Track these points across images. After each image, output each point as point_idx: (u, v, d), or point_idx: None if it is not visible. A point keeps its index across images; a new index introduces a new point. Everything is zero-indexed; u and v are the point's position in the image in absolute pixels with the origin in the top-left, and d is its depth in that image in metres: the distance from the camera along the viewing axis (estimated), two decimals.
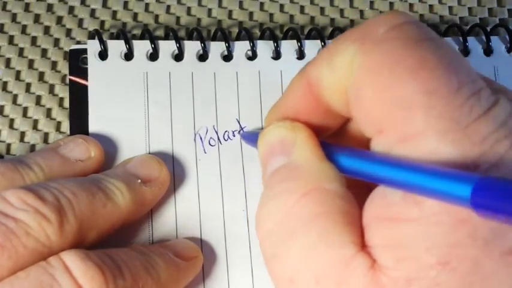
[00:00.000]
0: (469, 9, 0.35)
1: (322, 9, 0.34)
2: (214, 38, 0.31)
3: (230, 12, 0.33)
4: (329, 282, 0.17)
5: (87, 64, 0.29)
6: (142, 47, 0.30)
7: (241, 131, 0.29)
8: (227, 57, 0.31)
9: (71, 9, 0.32)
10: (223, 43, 0.30)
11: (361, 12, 0.34)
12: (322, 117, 0.22)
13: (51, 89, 0.30)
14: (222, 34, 0.31)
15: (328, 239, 0.18)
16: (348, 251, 0.17)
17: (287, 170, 0.20)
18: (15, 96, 0.30)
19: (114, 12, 0.32)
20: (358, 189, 0.19)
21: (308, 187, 0.19)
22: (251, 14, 0.33)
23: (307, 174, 0.19)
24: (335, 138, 0.23)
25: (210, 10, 0.33)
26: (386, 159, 0.17)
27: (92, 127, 0.29)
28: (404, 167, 0.16)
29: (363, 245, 0.17)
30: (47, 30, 0.31)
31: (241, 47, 0.31)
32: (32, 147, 0.29)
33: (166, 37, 0.32)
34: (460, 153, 0.16)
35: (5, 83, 0.30)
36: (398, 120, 0.17)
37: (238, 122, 0.30)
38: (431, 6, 0.34)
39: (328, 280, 0.17)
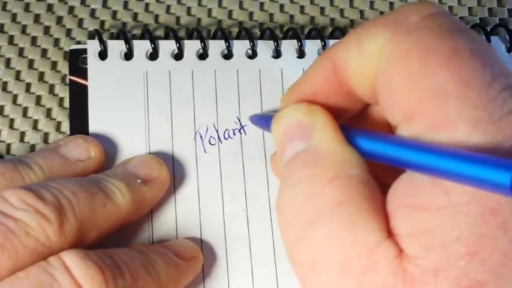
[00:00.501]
0: (469, 9, 0.35)
1: (322, 9, 0.34)
2: (214, 38, 0.31)
3: (230, 12, 0.33)
4: (353, 269, 0.17)
5: (87, 64, 0.29)
6: (142, 46, 0.30)
7: (250, 116, 0.29)
8: (227, 56, 0.31)
9: (71, 9, 0.32)
10: (223, 42, 0.30)
11: (361, 12, 0.34)
12: (341, 100, 0.21)
13: (51, 89, 0.30)
14: (222, 34, 0.31)
15: (353, 226, 0.17)
16: (374, 238, 0.17)
17: (308, 155, 0.20)
18: (15, 96, 0.30)
19: (114, 12, 0.32)
20: (379, 174, 0.19)
21: (332, 174, 0.19)
22: (251, 14, 0.33)
23: (329, 160, 0.19)
24: (351, 123, 0.22)
25: (210, 10, 0.33)
26: (415, 143, 0.17)
27: (92, 127, 0.29)
28: (436, 151, 0.16)
29: (388, 233, 0.17)
30: (47, 30, 0.31)
31: (241, 46, 0.31)
32: (32, 147, 0.29)
33: (166, 37, 0.32)
34: (492, 144, 0.16)
35: (5, 83, 0.30)
36: (430, 108, 0.17)
37: (239, 121, 0.30)
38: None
39: (353, 266, 0.17)
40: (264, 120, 0.25)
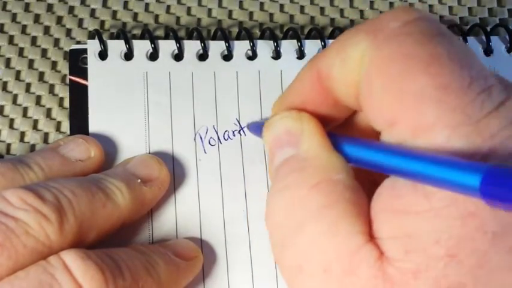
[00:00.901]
0: (469, 9, 0.35)
1: (322, 9, 0.34)
2: (214, 38, 0.31)
3: (230, 12, 0.33)
4: (336, 272, 0.17)
5: (87, 64, 0.29)
6: (142, 46, 0.30)
7: (248, 123, 0.29)
8: (227, 57, 0.31)
9: (71, 9, 0.32)
10: (223, 43, 0.30)
11: (361, 12, 0.34)
12: (329, 108, 0.22)
13: (51, 89, 0.30)
14: (222, 34, 0.31)
15: (336, 229, 0.18)
16: (356, 241, 0.17)
17: (295, 161, 0.20)
18: (15, 96, 0.30)
19: (114, 12, 0.32)
20: (365, 180, 0.20)
21: (317, 179, 0.19)
22: (251, 14, 0.33)
23: (315, 166, 0.19)
24: (340, 130, 0.23)
25: (210, 10, 0.33)
26: (395, 149, 0.17)
27: (92, 127, 0.29)
28: (414, 157, 0.16)
29: (371, 236, 0.17)
30: (47, 30, 0.31)
31: (241, 47, 0.31)
32: (32, 147, 0.29)
33: (166, 37, 0.32)
34: (471, 147, 0.16)
35: (5, 83, 0.30)
36: (410, 114, 0.17)
37: (238, 122, 0.30)
38: (431, 6, 0.34)
39: (335, 269, 0.17)
40: (259, 128, 0.26)
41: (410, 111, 0.17)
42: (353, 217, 0.18)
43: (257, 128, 0.27)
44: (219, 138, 0.29)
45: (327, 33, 0.33)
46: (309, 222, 0.18)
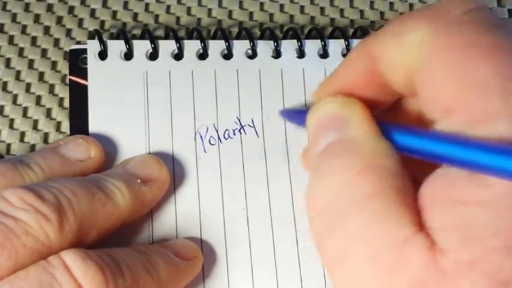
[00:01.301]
0: None
1: (322, 9, 0.34)
2: (214, 38, 0.31)
3: (230, 12, 0.33)
4: (383, 262, 0.17)
5: (87, 64, 0.29)
6: (142, 47, 0.30)
7: (281, 109, 0.29)
8: (227, 56, 0.31)
9: (71, 9, 0.32)
10: (223, 42, 0.30)
11: (361, 12, 0.34)
12: (376, 93, 0.21)
13: (51, 89, 0.30)
14: (222, 34, 0.31)
15: (384, 218, 0.17)
16: (405, 231, 0.17)
17: (341, 145, 0.20)
18: (15, 96, 0.30)
19: (114, 12, 0.32)
20: (412, 169, 0.19)
21: (365, 163, 0.18)
22: (251, 14, 0.33)
23: (363, 151, 0.19)
24: (385, 116, 0.22)
25: (210, 10, 0.33)
26: (452, 137, 0.17)
27: (92, 127, 0.28)
28: (473, 145, 0.16)
29: (420, 226, 0.17)
30: (47, 30, 0.31)
31: (241, 46, 0.31)
32: (32, 147, 0.29)
33: (166, 37, 0.32)
34: None
35: (5, 83, 0.30)
36: (470, 102, 0.17)
37: (239, 121, 0.30)
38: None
39: (383, 259, 0.17)
40: (296, 114, 0.25)
41: (471, 100, 0.17)
42: (401, 205, 0.17)
43: (293, 114, 0.26)
44: (219, 138, 0.29)
45: (327, 33, 0.33)
46: (355, 209, 0.18)
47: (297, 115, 0.24)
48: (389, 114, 0.23)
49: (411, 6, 0.34)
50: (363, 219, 0.17)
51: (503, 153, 0.15)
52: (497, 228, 0.15)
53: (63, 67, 0.31)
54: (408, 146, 0.19)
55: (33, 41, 0.31)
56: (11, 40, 0.31)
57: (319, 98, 0.22)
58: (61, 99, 0.30)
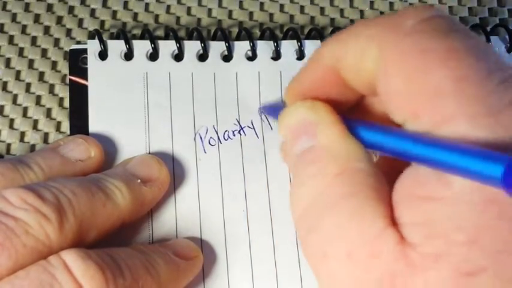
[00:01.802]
0: (469, 9, 0.35)
1: (322, 9, 0.34)
2: (214, 38, 0.31)
3: (230, 12, 0.33)
4: (359, 256, 0.17)
5: (87, 64, 0.29)
6: (142, 47, 0.30)
7: (261, 105, 0.29)
8: (227, 58, 0.31)
9: (71, 9, 0.32)
10: (223, 43, 0.30)
11: (361, 12, 0.34)
12: (339, 93, 0.22)
13: (51, 89, 0.30)
14: (222, 34, 0.31)
15: (359, 216, 0.18)
16: (378, 227, 0.18)
17: (315, 152, 0.20)
18: (15, 96, 0.30)
19: (114, 12, 0.32)
20: (383, 168, 0.20)
21: (338, 168, 0.19)
22: (251, 14, 0.33)
23: (335, 155, 0.20)
24: (350, 114, 0.23)
25: (210, 10, 0.33)
26: (414, 135, 0.18)
27: (92, 127, 0.29)
28: (436, 144, 0.17)
29: (392, 222, 0.18)
30: (47, 30, 0.31)
31: (241, 47, 0.31)
32: (32, 147, 0.29)
33: (166, 37, 0.32)
34: (492, 137, 0.16)
35: (5, 83, 0.30)
36: (430, 107, 0.17)
37: (238, 122, 0.30)
38: (431, 6, 0.34)
39: (359, 254, 0.17)
40: (273, 110, 0.26)
41: (430, 104, 0.17)
42: (376, 203, 0.18)
43: (271, 110, 0.27)
44: (219, 138, 0.29)
45: (327, 33, 0.33)
46: (332, 209, 0.19)
47: (274, 110, 0.25)
48: (355, 112, 0.23)
49: (411, 6, 0.34)
50: (340, 219, 0.18)
51: (458, 152, 0.16)
52: (459, 223, 0.16)
53: (63, 67, 0.31)
54: (375, 143, 0.20)
55: (33, 41, 0.31)
56: (11, 40, 0.31)
57: (289, 101, 0.23)
58: (61, 99, 0.30)
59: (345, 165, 0.19)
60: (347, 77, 0.21)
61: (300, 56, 0.31)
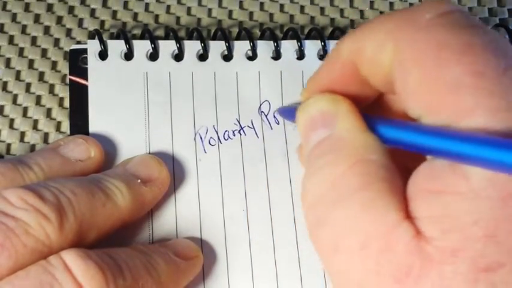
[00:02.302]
0: (469, 9, 0.35)
1: (322, 9, 0.34)
2: (214, 38, 0.31)
3: (230, 12, 0.33)
4: (373, 249, 0.17)
5: (87, 64, 0.29)
6: (142, 47, 0.30)
7: (278, 108, 0.29)
8: (227, 57, 0.31)
9: (71, 9, 0.32)
10: (223, 43, 0.30)
11: (361, 12, 0.34)
12: (358, 90, 0.22)
13: (51, 89, 0.30)
14: (222, 34, 0.31)
15: (373, 207, 0.18)
16: (392, 219, 0.17)
17: (330, 142, 0.20)
18: (15, 96, 0.30)
19: (114, 12, 0.32)
20: (398, 165, 0.20)
21: (353, 159, 0.19)
22: (251, 14, 0.33)
23: (351, 146, 0.20)
24: (369, 111, 0.23)
25: (210, 10, 0.33)
26: (435, 129, 0.18)
27: (92, 127, 0.29)
28: (455, 136, 0.17)
29: (407, 215, 0.18)
30: (47, 30, 0.31)
31: (241, 47, 0.31)
32: (32, 147, 0.29)
33: (166, 37, 0.32)
34: (510, 130, 0.16)
35: (5, 83, 0.30)
36: (448, 101, 0.17)
37: (238, 122, 0.30)
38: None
39: (372, 247, 0.17)
40: (289, 112, 0.26)
41: (448, 97, 0.17)
42: (389, 196, 0.18)
43: (287, 111, 0.27)
44: (219, 138, 0.29)
45: (327, 33, 0.33)
46: (346, 200, 0.18)
47: (291, 112, 0.25)
48: (374, 109, 0.23)
49: (411, 6, 0.34)
50: (353, 210, 0.18)
51: (480, 142, 0.16)
52: (477, 217, 0.16)
53: (63, 67, 0.31)
54: (393, 138, 0.20)
55: (33, 41, 0.31)
56: (11, 40, 0.31)
57: (306, 96, 0.23)
58: (61, 99, 0.30)
59: (360, 156, 0.19)
60: (365, 72, 0.21)
61: (300, 56, 0.31)
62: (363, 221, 0.18)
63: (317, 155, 0.20)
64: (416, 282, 0.16)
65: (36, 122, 0.30)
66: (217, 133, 0.29)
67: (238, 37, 0.32)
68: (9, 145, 0.29)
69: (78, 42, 0.31)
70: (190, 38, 0.31)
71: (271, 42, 0.31)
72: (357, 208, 0.18)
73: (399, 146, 0.19)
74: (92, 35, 0.31)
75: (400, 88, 0.19)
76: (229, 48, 0.30)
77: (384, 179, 0.18)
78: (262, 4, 0.33)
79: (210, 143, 0.29)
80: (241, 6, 0.33)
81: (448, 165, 0.17)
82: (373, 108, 0.23)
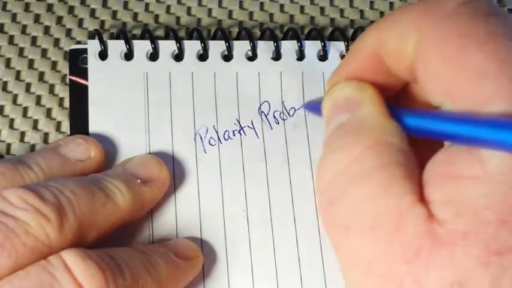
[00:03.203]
0: None
1: (322, 9, 0.34)
2: (214, 38, 0.31)
3: (230, 12, 0.33)
4: (384, 230, 0.17)
5: (87, 64, 0.29)
6: (142, 47, 0.30)
7: (305, 102, 0.29)
8: (227, 57, 0.31)
9: (71, 9, 0.32)
10: (223, 43, 0.30)
11: (361, 12, 0.34)
12: (384, 79, 0.22)
13: (51, 89, 0.30)
14: (222, 34, 0.31)
15: (387, 189, 0.18)
16: (406, 201, 0.18)
17: (351, 123, 0.21)
18: (15, 96, 0.30)
19: (114, 12, 0.32)
20: (417, 154, 0.20)
21: (372, 140, 0.19)
22: (251, 14, 0.33)
23: (371, 128, 0.20)
24: (393, 101, 0.23)
25: (210, 10, 0.33)
26: (455, 114, 0.18)
27: (92, 127, 0.29)
28: (476, 121, 0.17)
29: (421, 199, 0.18)
30: (47, 30, 0.31)
31: (241, 47, 0.31)
32: (32, 147, 0.29)
33: (166, 37, 0.32)
34: None
35: (5, 83, 0.30)
36: (469, 89, 0.17)
37: (238, 122, 0.30)
38: None
39: (384, 228, 0.17)
40: (315, 105, 0.26)
41: (468, 86, 0.17)
42: (404, 179, 0.18)
43: (314, 105, 0.26)
44: (219, 138, 0.29)
45: (327, 33, 0.33)
46: (360, 181, 0.19)
47: (317, 106, 0.25)
48: (397, 100, 0.24)
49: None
50: (367, 190, 0.18)
51: (500, 125, 0.16)
52: (491, 202, 0.16)
53: (63, 67, 0.31)
54: (415, 126, 0.20)
55: (33, 41, 0.31)
56: (11, 40, 0.31)
57: (332, 84, 0.23)
58: (61, 99, 0.30)
59: (380, 138, 0.19)
60: (389, 62, 0.21)
61: (300, 56, 0.31)
62: (376, 202, 0.18)
63: (337, 135, 0.20)
64: (425, 263, 0.16)
65: (36, 122, 0.30)
66: (217, 133, 0.29)
67: (238, 37, 0.32)
68: (9, 145, 0.29)
69: (78, 42, 0.31)
70: (190, 38, 0.31)
71: (271, 42, 0.31)
72: (371, 188, 0.18)
73: (421, 134, 0.20)
74: (92, 35, 0.31)
75: (422, 76, 0.19)
76: (229, 48, 0.30)
77: (401, 162, 0.19)
78: (262, 4, 0.33)
79: (210, 143, 0.29)
80: (241, 6, 0.33)
81: (464, 151, 0.17)
82: (396, 99, 0.24)
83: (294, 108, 0.30)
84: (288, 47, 0.31)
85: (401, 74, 0.21)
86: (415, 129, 0.20)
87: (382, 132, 0.20)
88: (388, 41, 0.21)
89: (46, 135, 0.30)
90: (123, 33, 0.30)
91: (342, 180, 0.19)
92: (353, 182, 0.19)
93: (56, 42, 0.31)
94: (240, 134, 0.29)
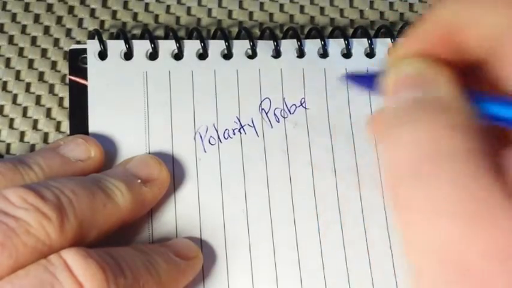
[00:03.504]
0: None
1: (322, 9, 0.34)
2: (214, 38, 0.31)
3: (230, 12, 0.33)
4: (464, 216, 0.17)
5: (86, 64, 0.29)
6: (142, 46, 0.30)
7: (345, 74, 0.27)
8: (227, 56, 0.31)
9: (71, 9, 0.32)
10: (223, 42, 0.30)
11: (361, 12, 0.34)
12: (452, 56, 0.21)
13: (51, 88, 0.30)
14: (222, 34, 0.31)
15: (471, 175, 0.17)
16: (490, 189, 0.17)
17: (429, 101, 0.19)
18: (15, 96, 0.30)
19: (114, 12, 0.32)
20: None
21: (455, 121, 0.18)
22: (251, 13, 0.33)
23: (453, 109, 0.19)
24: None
25: (210, 10, 0.33)
26: None
27: (92, 127, 0.28)
28: None
29: (504, 187, 0.17)
30: (47, 30, 0.31)
31: (241, 46, 0.31)
32: (32, 147, 0.29)
33: (166, 37, 0.32)
34: None
35: (5, 83, 0.30)
36: None
37: (239, 121, 0.30)
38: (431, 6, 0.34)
39: (463, 213, 0.17)
40: (363, 78, 0.24)
41: None
42: (488, 165, 0.17)
43: (360, 77, 0.25)
44: (219, 137, 0.29)
45: (326, 33, 0.33)
46: (444, 163, 0.18)
47: (365, 79, 0.23)
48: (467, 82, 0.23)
49: (411, 6, 0.34)
50: (451, 174, 0.17)
51: None
52: None
53: (63, 67, 0.31)
54: (494, 114, 0.19)
55: (33, 41, 0.31)
56: (11, 40, 0.31)
57: (397, 59, 0.22)
58: (61, 99, 0.30)
59: (462, 120, 0.18)
60: (465, 38, 0.20)
61: (300, 54, 0.31)
62: (461, 186, 0.17)
63: (413, 111, 0.19)
64: None
65: (36, 121, 0.30)
66: (217, 132, 0.29)
67: (238, 37, 0.32)
68: (9, 145, 0.29)
69: (78, 42, 0.31)
70: (190, 37, 0.31)
71: (271, 41, 0.31)
72: (456, 172, 0.17)
73: (497, 122, 0.19)
74: (91, 35, 0.31)
75: (506, 57, 0.19)
76: (229, 47, 0.30)
77: (484, 146, 0.18)
78: (262, 4, 0.33)
79: (210, 142, 0.29)
80: (241, 6, 0.33)
81: None
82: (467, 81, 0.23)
83: (294, 105, 0.30)
84: (288, 45, 0.31)
85: (476, 52, 0.20)
86: (493, 117, 0.19)
87: (463, 114, 0.19)
88: (470, 22, 0.19)
89: (46, 135, 0.30)
90: (122, 33, 0.30)
91: (422, 161, 0.18)
92: (435, 164, 0.18)
93: (56, 42, 0.31)
94: (240, 133, 0.29)
